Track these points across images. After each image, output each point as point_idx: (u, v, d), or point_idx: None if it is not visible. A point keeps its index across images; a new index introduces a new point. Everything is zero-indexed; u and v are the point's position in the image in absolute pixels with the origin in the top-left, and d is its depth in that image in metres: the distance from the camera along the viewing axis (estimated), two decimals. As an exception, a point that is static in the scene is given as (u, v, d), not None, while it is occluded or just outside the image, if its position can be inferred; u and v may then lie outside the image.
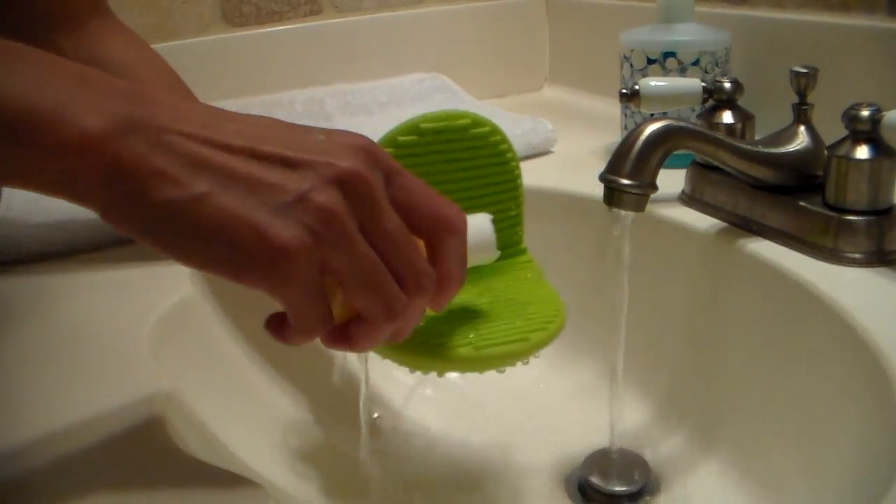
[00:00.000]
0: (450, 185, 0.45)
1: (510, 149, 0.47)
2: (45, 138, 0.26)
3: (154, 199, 0.27)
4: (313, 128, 0.32)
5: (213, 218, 0.27)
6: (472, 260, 0.38)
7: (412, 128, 0.44)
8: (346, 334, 0.33)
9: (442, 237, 0.34)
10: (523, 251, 0.49)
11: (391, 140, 0.44)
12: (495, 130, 0.46)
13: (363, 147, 0.31)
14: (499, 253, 0.43)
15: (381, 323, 0.32)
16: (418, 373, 0.40)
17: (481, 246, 0.42)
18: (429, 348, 0.38)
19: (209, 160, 0.28)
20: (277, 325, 0.32)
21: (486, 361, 0.39)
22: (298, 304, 0.30)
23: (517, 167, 0.48)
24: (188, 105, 0.30)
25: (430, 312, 0.38)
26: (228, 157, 0.29)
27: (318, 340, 0.33)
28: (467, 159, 0.46)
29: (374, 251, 0.31)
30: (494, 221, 0.43)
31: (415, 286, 0.32)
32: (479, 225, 0.42)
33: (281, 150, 0.30)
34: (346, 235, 0.30)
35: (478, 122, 0.46)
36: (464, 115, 0.45)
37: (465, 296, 0.44)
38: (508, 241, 0.48)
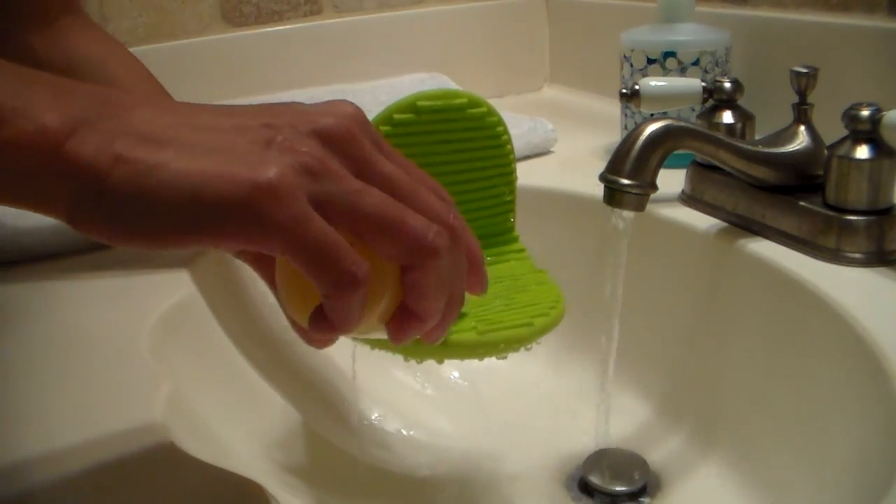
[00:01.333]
0: (445, 166, 0.44)
1: (506, 131, 0.46)
2: (1, 132, 0.25)
3: (110, 183, 0.25)
4: (301, 103, 0.30)
5: (172, 181, 0.25)
6: None
7: (409, 105, 0.42)
8: (406, 313, 0.30)
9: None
10: (516, 238, 0.48)
11: (387, 118, 0.42)
12: (491, 111, 0.45)
13: (351, 113, 0.29)
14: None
15: (428, 264, 0.28)
16: (418, 376, 0.39)
17: None
18: None
19: (171, 135, 0.26)
20: (317, 315, 0.28)
21: (491, 346, 0.38)
22: (308, 251, 0.26)
23: (512, 151, 0.47)
24: (154, 97, 0.29)
25: None
26: (194, 131, 0.27)
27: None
28: (463, 140, 0.45)
29: (379, 194, 0.28)
30: (489, 206, 0.42)
31: (438, 223, 0.29)
32: None
33: (256, 119, 0.28)
34: (336, 172, 0.27)
35: (474, 101, 0.44)
36: (460, 94, 0.44)
37: None
38: (502, 227, 0.47)
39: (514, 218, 0.48)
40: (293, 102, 0.30)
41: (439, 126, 0.44)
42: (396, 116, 0.42)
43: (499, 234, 0.46)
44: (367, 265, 0.27)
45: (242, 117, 0.28)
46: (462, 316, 0.39)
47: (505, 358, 0.39)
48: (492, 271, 0.45)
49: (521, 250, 0.48)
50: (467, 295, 0.41)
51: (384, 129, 0.42)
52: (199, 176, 0.25)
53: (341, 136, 0.28)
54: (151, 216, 0.25)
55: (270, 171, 0.25)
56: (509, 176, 0.47)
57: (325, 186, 0.27)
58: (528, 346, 0.39)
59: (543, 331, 0.39)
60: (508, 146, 0.47)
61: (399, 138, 0.42)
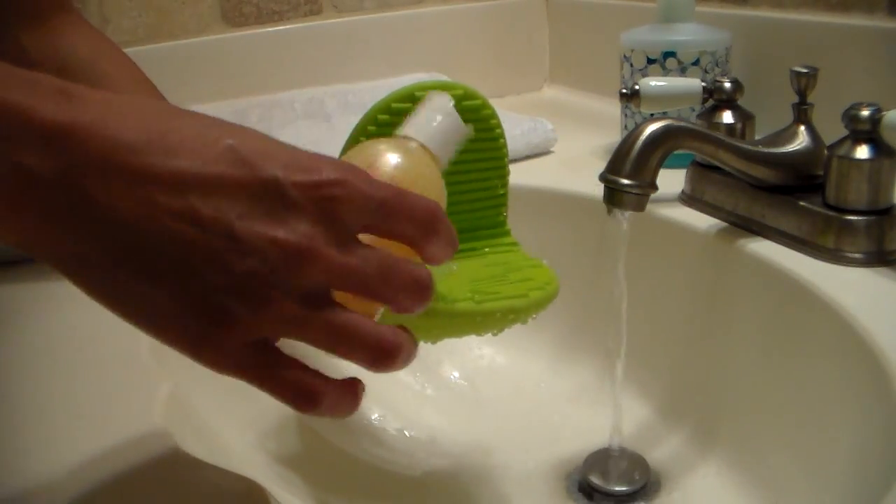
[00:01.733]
0: None
1: (500, 125, 0.46)
2: None
3: (75, 276, 0.29)
4: (272, 151, 0.28)
5: (132, 302, 0.29)
6: (450, 149, 0.36)
7: (406, 95, 0.43)
8: None
9: (429, 236, 0.31)
10: (507, 232, 0.49)
11: (385, 107, 0.43)
12: (486, 105, 0.45)
13: (323, 199, 0.28)
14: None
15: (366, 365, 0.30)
16: (418, 376, 0.39)
17: (451, 128, 0.38)
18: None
19: (134, 234, 0.27)
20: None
21: (488, 316, 0.38)
22: (263, 385, 0.30)
23: (505, 145, 0.47)
24: (124, 123, 0.27)
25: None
26: (160, 227, 0.27)
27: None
28: None
29: (325, 318, 0.29)
30: (482, 199, 0.42)
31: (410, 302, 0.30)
32: (438, 108, 0.38)
33: (224, 214, 0.27)
34: (283, 319, 0.29)
35: (469, 94, 0.45)
36: (457, 86, 0.45)
37: (457, 262, 0.43)
38: (494, 220, 0.48)
39: (506, 212, 0.49)
40: (268, 154, 0.28)
41: None
42: (394, 105, 0.43)
43: (491, 227, 0.46)
44: (321, 387, 0.30)
45: (208, 200, 0.27)
46: (459, 287, 0.39)
47: (498, 333, 0.39)
48: (485, 260, 0.45)
49: (514, 243, 0.48)
50: (463, 275, 0.41)
51: (382, 117, 0.42)
52: (154, 320, 0.29)
53: (310, 262, 0.28)
54: (113, 307, 0.29)
55: (216, 347, 0.29)
56: (502, 170, 0.47)
57: (272, 327, 0.29)
58: (525, 320, 0.39)
59: (539, 304, 0.39)
60: (502, 140, 0.47)
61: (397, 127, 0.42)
